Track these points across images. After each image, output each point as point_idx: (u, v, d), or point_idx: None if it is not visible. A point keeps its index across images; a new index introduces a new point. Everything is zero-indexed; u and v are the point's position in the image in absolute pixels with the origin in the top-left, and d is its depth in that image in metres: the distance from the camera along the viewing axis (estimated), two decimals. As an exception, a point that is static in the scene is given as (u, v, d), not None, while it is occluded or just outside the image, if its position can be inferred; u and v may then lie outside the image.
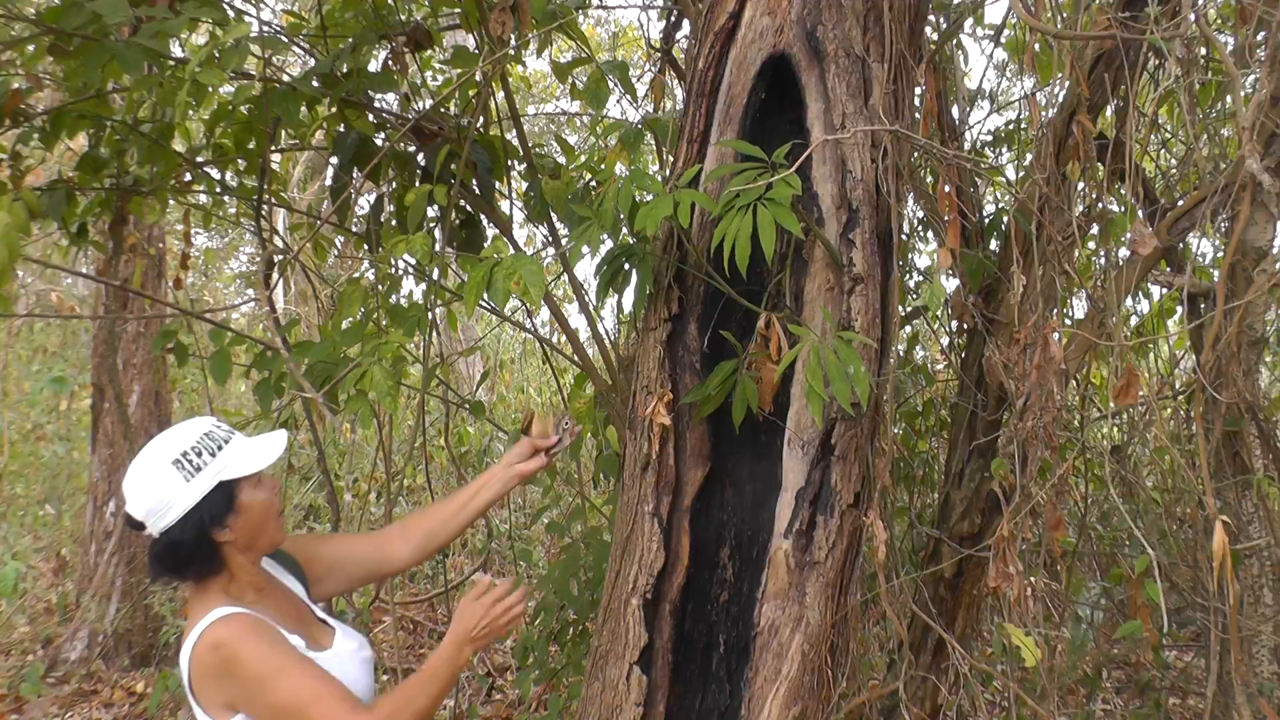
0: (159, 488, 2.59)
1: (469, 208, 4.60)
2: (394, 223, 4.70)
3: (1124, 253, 3.93)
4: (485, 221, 4.65)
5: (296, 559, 2.98)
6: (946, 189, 3.49)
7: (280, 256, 5.06)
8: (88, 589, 8.66)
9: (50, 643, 8.88)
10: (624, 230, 3.51)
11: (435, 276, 4.27)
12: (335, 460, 11.14)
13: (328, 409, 3.87)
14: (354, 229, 5.47)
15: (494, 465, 3.37)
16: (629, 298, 3.54)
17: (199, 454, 2.61)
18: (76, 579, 9.10)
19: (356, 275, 5.66)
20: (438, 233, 4.51)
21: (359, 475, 10.97)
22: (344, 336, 4.09)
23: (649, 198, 3.17)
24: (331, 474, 7.42)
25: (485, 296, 3.44)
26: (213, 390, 12.52)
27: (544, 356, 6.54)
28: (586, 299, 4.56)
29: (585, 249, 3.25)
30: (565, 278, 5.49)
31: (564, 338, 5.25)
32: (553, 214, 4.53)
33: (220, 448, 2.64)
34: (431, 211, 4.52)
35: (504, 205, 4.84)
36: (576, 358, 4.65)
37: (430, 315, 4.12)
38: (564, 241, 4.40)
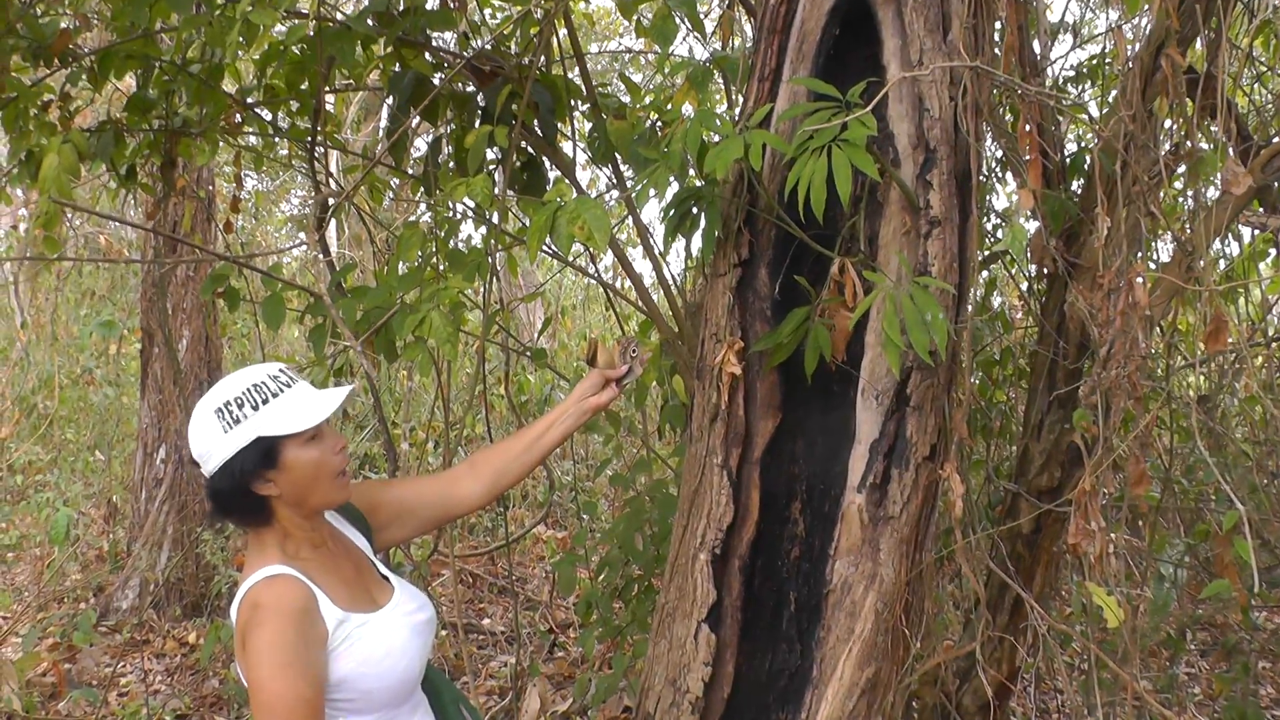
0: (201, 435, 2.66)
1: (530, 149, 4.60)
2: (452, 165, 4.72)
3: (1213, 193, 3.88)
4: (547, 164, 4.66)
5: (359, 508, 3.03)
6: (1027, 128, 3.46)
7: (334, 199, 5.10)
8: (139, 537, 8.81)
9: (102, 591, 9.06)
10: (691, 173, 3.51)
11: (495, 220, 4.29)
12: (391, 408, 11.25)
13: (371, 358, 3.91)
14: (410, 171, 5.49)
15: (566, 399, 3.43)
16: (697, 242, 3.54)
17: (240, 406, 2.64)
18: (128, 526, 9.26)
19: (414, 219, 5.70)
20: (498, 175, 4.53)
21: (416, 424, 11.07)
22: (401, 282, 4.12)
23: (718, 139, 3.17)
24: (388, 422, 7.47)
25: (548, 241, 3.45)
26: (265, 336, 12.67)
27: (607, 303, 6.55)
28: (652, 244, 4.56)
29: (651, 192, 3.26)
30: (630, 222, 5.47)
31: (628, 283, 5.26)
32: (617, 156, 4.53)
33: (266, 401, 2.66)
34: (491, 153, 4.53)
35: (566, 147, 4.84)
36: (641, 304, 4.66)
37: (490, 260, 4.15)
38: (629, 184, 4.41)
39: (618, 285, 10.93)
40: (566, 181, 4.58)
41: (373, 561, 2.95)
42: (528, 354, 5.10)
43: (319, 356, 4.37)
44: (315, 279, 13.09)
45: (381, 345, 4.09)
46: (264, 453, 2.65)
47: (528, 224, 4.43)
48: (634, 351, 3.43)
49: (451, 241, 4.43)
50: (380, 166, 5.60)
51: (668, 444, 7.03)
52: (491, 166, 4.60)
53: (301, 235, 17.92)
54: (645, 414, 6.18)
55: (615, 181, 4.67)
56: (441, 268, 4.22)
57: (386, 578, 2.94)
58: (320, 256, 4.14)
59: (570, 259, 4.77)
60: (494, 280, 4.41)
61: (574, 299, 14.73)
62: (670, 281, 4.68)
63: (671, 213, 3.43)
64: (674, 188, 3.48)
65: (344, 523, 2.97)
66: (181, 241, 7.77)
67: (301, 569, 2.67)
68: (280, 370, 2.76)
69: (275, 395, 2.68)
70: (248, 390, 2.67)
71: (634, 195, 3.37)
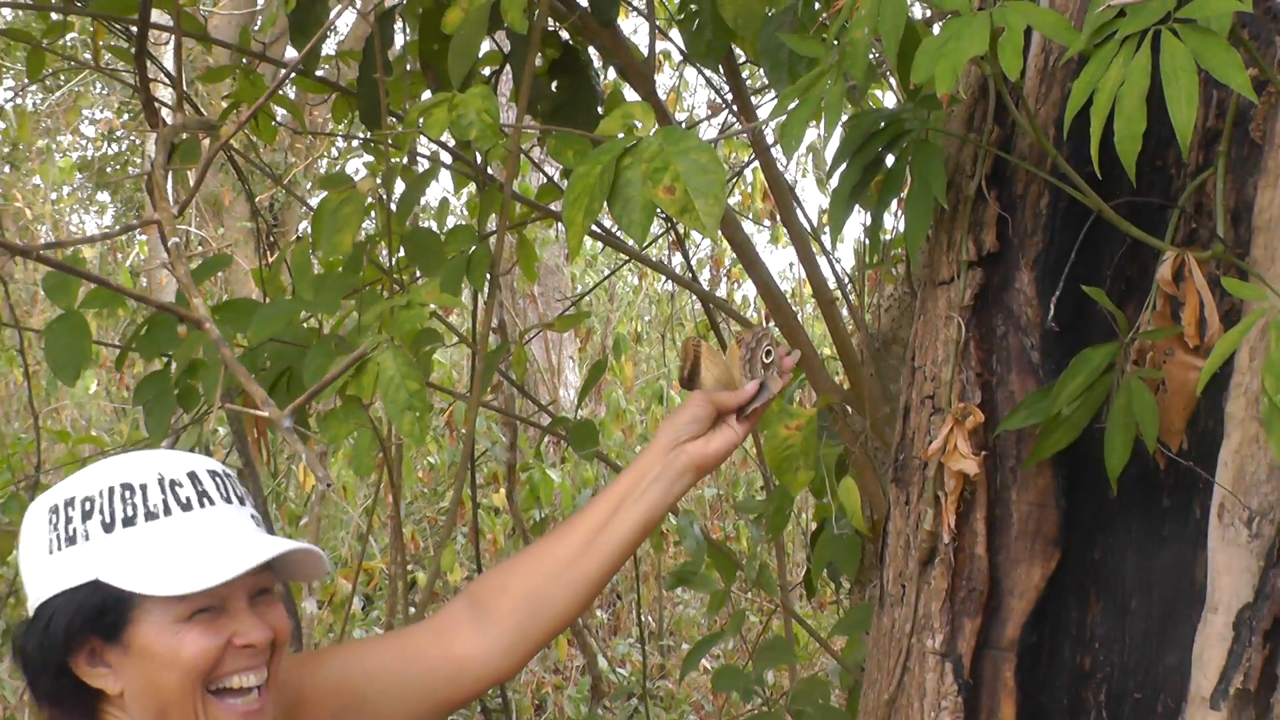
0: (24, 543, 2.74)
1: (567, 38, 4.64)
2: (414, 68, 4.76)
3: None
4: (598, 64, 4.70)
5: None
6: None
7: (185, 134, 5.15)
8: None
9: None
10: (881, 85, 3.53)
11: (494, 172, 4.33)
12: (285, 532, 11.27)
13: (299, 436, 3.93)
14: (324, 76, 5.55)
15: (646, 449, 3.32)
16: (891, 220, 3.55)
17: (88, 514, 2.68)
18: None
19: (341, 170, 5.77)
20: (506, 86, 4.58)
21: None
22: (321, 292, 4.14)
23: (937, 23, 3.19)
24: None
25: (602, 214, 3.47)
26: (37, 392, 12.70)
27: (708, 329, 6.57)
28: (802, 220, 4.59)
29: (812, 124, 3.28)
30: (753, 176, 5.52)
31: (748, 292, 5.24)
32: (736, 49, 4.56)
33: (133, 519, 2.69)
34: (491, 43, 4.58)
35: (636, 31, 4.89)
36: (779, 333, 4.69)
37: (490, 251, 4.18)
38: (759, 107, 4.44)
39: (727, 298, 10.95)
40: (637, 98, 4.61)
41: None
42: (558, 432, 5.12)
43: (156, 432, 4.41)
44: (137, 283, 13.16)
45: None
46: (99, 610, 2.67)
47: (561, 182, 4.46)
48: (768, 354, 3.35)
49: (413, 217, 4.48)
50: (265, 66, 5.66)
51: (823, 606, 7.04)
52: (493, 71, 4.65)
53: (106, 197, 18.05)
54: (782, 549, 6.18)
55: (731, 101, 4.70)
56: (392, 261, 4.26)
57: None
58: (174, 246, 4.09)
59: (642, 247, 4.81)
60: (494, 290, 4.43)
61: (636, 321, 14.68)
62: (839, 289, 4.71)
63: (847, 163, 3.44)
64: (847, 116, 3.50)
65: None
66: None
67: None
68: (203, 473, 2.79)
69: (159, 515, 2.71)
70: (111, 493, 2.70)
71: (775, 128, 3.38)
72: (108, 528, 2.65)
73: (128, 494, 2.67)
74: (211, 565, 2.66)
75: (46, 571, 2.66)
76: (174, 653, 2.66)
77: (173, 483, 2.71)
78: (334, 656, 3.22)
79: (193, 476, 2.74)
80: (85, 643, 2.67)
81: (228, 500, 2.77)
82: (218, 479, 2.78)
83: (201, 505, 2.72)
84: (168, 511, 2.69)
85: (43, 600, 2.65)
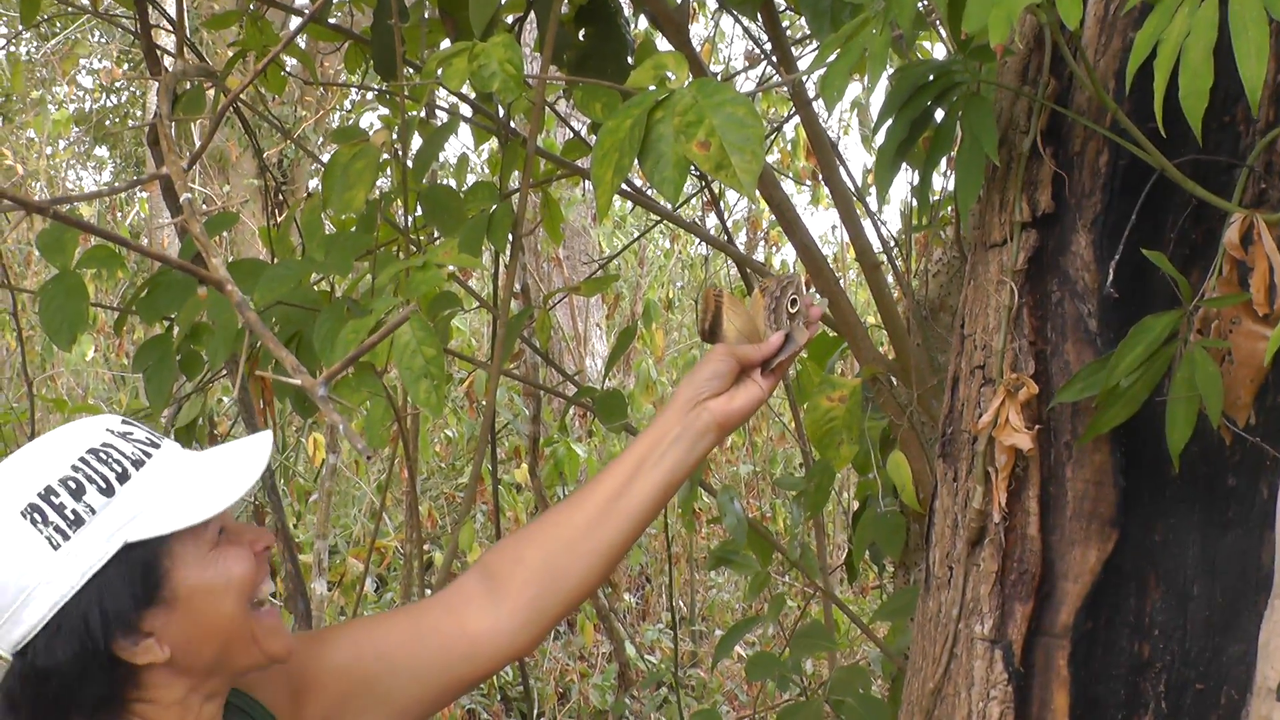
0: (2, 563, 2.61)
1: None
2: (435, 15, 4.76)
3: None
4: (628, 11, 4.69)
5: (265, 704, 3.01)
6: None
7: (189, 83, 5.15)
8: None
9: None
10: (930, 34, 3.51)
11: (517, 126, 4.32)
12: (294, 509, 11.22)
13: (334, 408, 3.91)
14: (336, 23, 5.55)
15: (665, 407, 3.28)
16: (940, 180, 3.53)
17: (78, 492, 2.61)
18: None
19: (354, 124, 5.76)
20: (529, 35, 4.57)
21: (341, 541, 11.04)
22: (333, 252, 4.12)
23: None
24: (291, 538, 7.46)
25: (633, 172, 3.44)
26: (34, 357, 12.67)
27: (743, 295, 6.57)
28: (846, 179, 4.58)
29: (852, 75, 3.26)
30: (795, 131, 5.51)
31: (787, 257, 5.23)
32: (776, -2, 4.56)
33: (124, 475, 2.65)
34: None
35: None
36: (818, 298, 4.67)
37: (513, 212, 4.16)
38: (800, 58, 4.43)
39: (764, 260, 10.92)
40: (671, 49, 4.60)
41: None
42: (584, 403, 5.11)
43: (157, 403, 4.39)
44: (137, 235, 13.13)
45: (287, 386, 4.11)
46: (141, 572, 2.63)
47: (589, 137, 4.45)
48: (794, 303, 3.29)
49: (430, 173, 4.47)
50: (273, 11, 5.66)
51: (866, 590, 7.01)
52: (516, 18, 4.64)
53: (104, 152, 18.02)
54: (821, 529, 6.16)
55: (770, 51, 4.69)
56: (408, 220, 4.24)
57: None
58: (184, 202, 4.04)
59: (674, 207, 4.80)
60: (516, 252, 4.42)
61: (668, 286, 14.59)
62: (882, 256, 4.70)
63: (894, 118, 3.43)
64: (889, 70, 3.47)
65: None
66: None
67: None
68: (123, 423, 2.74)
69: (143, 460, 2.68)
70: (85, 462, 2.64)
71: (817, 80, 3.35)
72: (107, 491, 2.59)
73: (104, 454, 2.63)
74: (220, 484, 2.68)
75: (56, 571, 2.56)
76: (225, 576, 2.68)
77: (123, 433, 2.68)
78: (342, 636, 3.16)
79: (126, 423, 2.72)
80: (130, 616, 2.61)
81: (161, 437, 2.76)
82: (134, 423, 2.75)
83: (158, 445, 2.71)
84: (146, 455, 2.67)
85: (65, 600, 2.56)
